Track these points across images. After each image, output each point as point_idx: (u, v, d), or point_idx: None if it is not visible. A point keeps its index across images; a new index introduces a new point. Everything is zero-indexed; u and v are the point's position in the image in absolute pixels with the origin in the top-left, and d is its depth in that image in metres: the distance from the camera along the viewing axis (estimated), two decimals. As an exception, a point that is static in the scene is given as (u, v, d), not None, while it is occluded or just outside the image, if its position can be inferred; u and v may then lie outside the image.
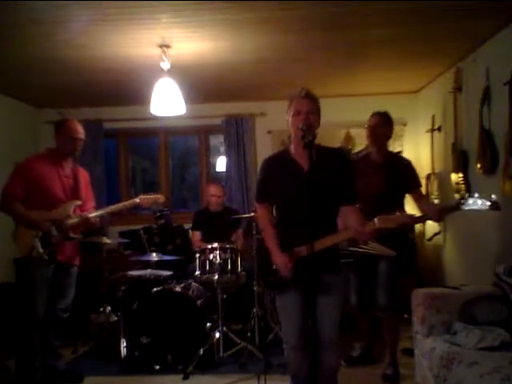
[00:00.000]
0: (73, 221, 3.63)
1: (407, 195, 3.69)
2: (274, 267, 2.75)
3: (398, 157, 3.93)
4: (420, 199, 3.58)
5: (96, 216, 3.75)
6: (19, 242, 3.56)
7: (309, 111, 2.65)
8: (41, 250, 3.45)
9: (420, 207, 3.51)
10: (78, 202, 3.71)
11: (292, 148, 2.80)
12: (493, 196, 2.62)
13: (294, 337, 2.74)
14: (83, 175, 3.88)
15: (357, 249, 3.43)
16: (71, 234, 3.63)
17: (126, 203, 3.91)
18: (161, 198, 4.03)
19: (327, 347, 2.63)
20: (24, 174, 3.58)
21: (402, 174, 3.60)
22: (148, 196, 3.96)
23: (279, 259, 2.69)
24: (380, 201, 3.30)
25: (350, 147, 5.56)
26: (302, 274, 2.52)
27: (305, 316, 2.71)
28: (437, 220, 3.25)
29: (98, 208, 3.93)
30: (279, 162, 2.83)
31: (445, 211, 3.27)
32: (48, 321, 3.65)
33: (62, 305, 3.72)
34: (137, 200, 3.92)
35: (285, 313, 2.81)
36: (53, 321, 3.70)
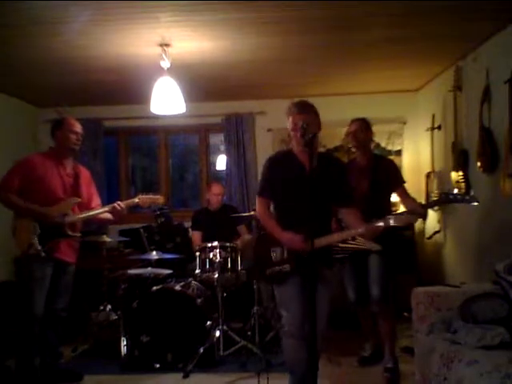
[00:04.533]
0: (72, 218, 3.64)
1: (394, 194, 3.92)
2: (273, 258, 2.91)
3: (381, 158, 4.07)
4: (404, 196, 3.77)
5: (98, 213, 3.78)
6: (17, 239, 3.57)
7: (304, 123, 2.76)
8: (38, 247, 3.46)
9: (404, 204, 3.80)
10: (78, 200, 3.71)
11: (294, 149, 2.94)
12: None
13: (295, 325, 2.83)
14: (84, 174, 3.90)
15: (346, 245, 3.54)
16: (69, 232, 3.64)
17: (125, 202, 3.91)
18: (160, 198, 4.03)
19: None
20: (23, 169, 3.60)
21: (386, 174, 3.76)
22: (147, 196, 3.96)
23: (286, 235, 2.85)
24: (368, 202, 3.44)
25: (350, 146, 5.55)
26: (302, 267, 2.70)
27: (304, 305, 2.77)
28: (419, 215, 3.50)
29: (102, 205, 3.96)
30: (283, 160, 3.00)
31: (427, 206, 3.75)
32: (47, 320, 3.66)
33: (60, 304, 3.73)
34: (136, 200, 3.92)
35: (285, 302, 2.92)
36: (52, 320, 3.71)
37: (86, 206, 3.80)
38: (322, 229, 2.84)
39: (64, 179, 3.70)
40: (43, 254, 3.49)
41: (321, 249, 2.72)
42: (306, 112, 2.86)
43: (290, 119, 2.87)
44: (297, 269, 2.83)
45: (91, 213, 3.78)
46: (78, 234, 3.78)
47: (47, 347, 3.74)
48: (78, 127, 3.76)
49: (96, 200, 3.93)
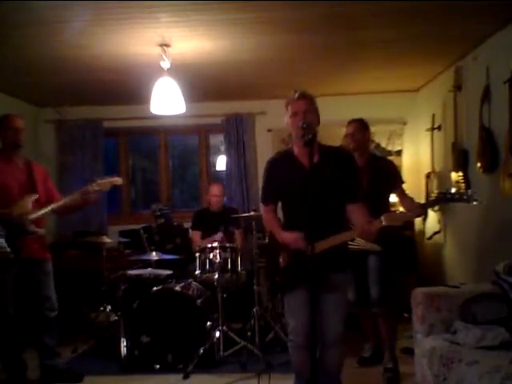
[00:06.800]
0: (33, 215, 3.59)
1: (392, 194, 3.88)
2: (280, 264, 2.79)
3: (379, 159, 4.05)
4: (403, 196, 3.76)
5: (53, 208, 3.71)
6: None
7: (306, 110, 2.69)
8: (8, 250, 3.43)
9: (403, 204, 3.77)
10: (35, 196, 3.65)
11: (295, 148, 2.83)
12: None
13: (301, 335, 2.73)
14: (38, 170, 3.85)
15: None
16: (33, 229, 3.59)
17: (82, 190, 3.75)
18: (118, 180, 3.91)
19: (332, 345, 2.64)
20: None
21: (385, 174, 3.74)
22: (103, 180, 3.85)
23: (288, 234, 2.72)
24: (367, 202, 3.38)
25: (350, 146, 5.56)
26: (309, 272, 2.55)
27: (311, 315, 2.72)
28: (417, 215, 3.47)
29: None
30: (283, 162, 2.87)
31: (425, 205, 3.56)
32: (36, 321, 3.68)
33: (45, 303, 3.71)
34: (93, 184, 3.80)
35: (291, 311, 2.83)
36: (41, 321, 3.71)
37: (47, 201, 3.73)
38: (331, 229, 2.65)
39: (17, 177, 3.67)
40: (12, 256, 3.45)
41: (329, 252, 2.56)
42: (307, 99, 2.72)
43: (290, 107, 2.72)
44: (302, 276, 2.63)
45: (51, 207, 3.69)
46: (43, 230, 3.73)
47: (43, 349, 3.76)
48: (18, 123, 3.71)
49: (56, 194, 3.87)
